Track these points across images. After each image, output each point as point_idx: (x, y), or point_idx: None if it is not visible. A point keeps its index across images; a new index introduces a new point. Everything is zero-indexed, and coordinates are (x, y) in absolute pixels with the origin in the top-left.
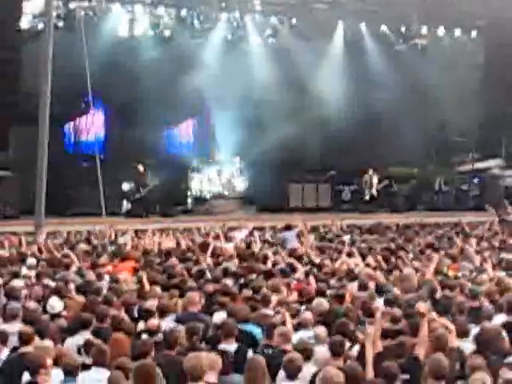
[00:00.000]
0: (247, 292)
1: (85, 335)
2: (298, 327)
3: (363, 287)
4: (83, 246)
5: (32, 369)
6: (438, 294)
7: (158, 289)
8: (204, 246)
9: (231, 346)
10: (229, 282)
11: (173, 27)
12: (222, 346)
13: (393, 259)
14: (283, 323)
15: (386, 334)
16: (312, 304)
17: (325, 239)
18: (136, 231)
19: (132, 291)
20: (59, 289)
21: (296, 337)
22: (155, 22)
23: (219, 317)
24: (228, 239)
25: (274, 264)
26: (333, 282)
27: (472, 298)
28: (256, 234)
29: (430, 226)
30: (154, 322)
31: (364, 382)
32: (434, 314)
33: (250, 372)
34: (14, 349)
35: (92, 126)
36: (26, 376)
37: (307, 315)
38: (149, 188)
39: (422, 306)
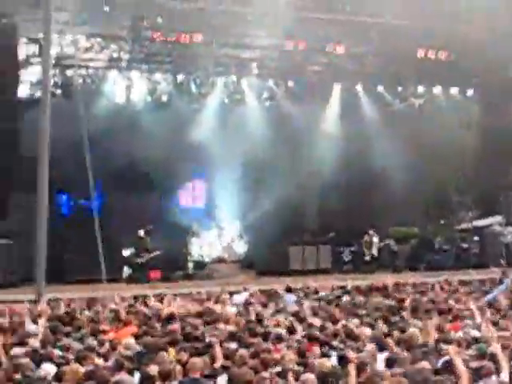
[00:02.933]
0: (248, 355)
1: None
2: None
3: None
4: (86, 313)
5: None
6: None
7: (163, 354)
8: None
9: None
10: (232, 345)
11: (170, 92)
12: None
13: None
14: None
15: None
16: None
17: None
18: (135, 297)
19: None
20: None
21: None
22: (152, 88)
23: (222, 381)
24: (229, 303)
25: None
26: (335, 343)
27: (480, 357)
28: (255, 297)
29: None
30: None
31: None
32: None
33: None
34: None
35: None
36: None
37: (310, 377)
38: (151, 255)
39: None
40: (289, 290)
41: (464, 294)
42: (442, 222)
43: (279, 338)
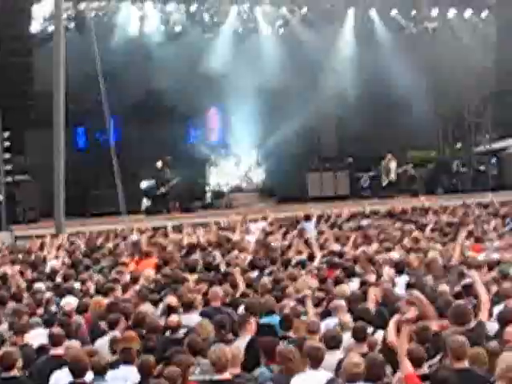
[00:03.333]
0: (268, 283)
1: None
2: (324, 315)
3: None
4: (106, 246)
5: (77, 372)
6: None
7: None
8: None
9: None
10: (253, 274)
11: (183, 23)
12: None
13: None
14: (305, 313)
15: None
16: (335, 291)
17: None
18: (155, 228)
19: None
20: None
21: (322, 325)
22: (165, 19)
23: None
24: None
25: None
26: (356, 269)
27: (502, 277)
28: (275, 225)
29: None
30: (175, 318)
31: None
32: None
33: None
34: (41, 349)
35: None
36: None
37: (340, 302)
38: (170, 185)
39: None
40: (307, 217)
41: (483, 216)
42: (460, 144)
43: (300, 265)
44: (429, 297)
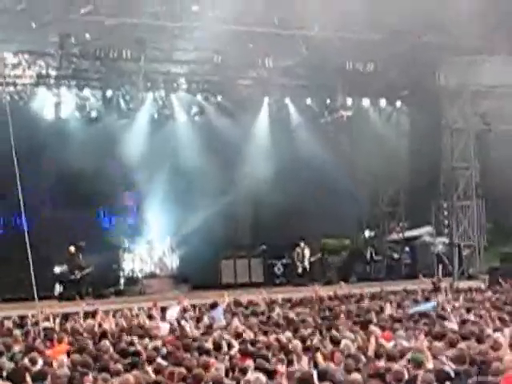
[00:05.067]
0: (181, 371)
1: None
2: None
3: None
4: (17, 332)
5: None
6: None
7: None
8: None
9: None
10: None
11: (99, 108)
12: None
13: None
14: None
15: None
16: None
17: (256, 315)
18: (67, 314)
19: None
20: None
21: None
22: (81, 104)
23: None
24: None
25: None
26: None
27: (415, 367)
28: (188, 313)
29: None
30: None
31: None
32: None
33: None
34: None
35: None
36: None
37: None
38: (84, 272)
39: None
40: (214, 305)
41: (394, 304)
42: (373, 233)
43: (210, 353)
44: None
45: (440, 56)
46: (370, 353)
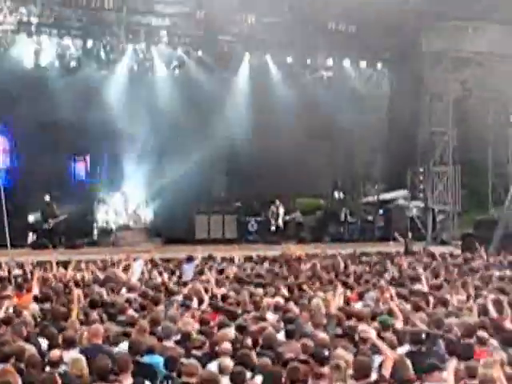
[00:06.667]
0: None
1: None
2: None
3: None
4: None
5: None
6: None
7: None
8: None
9: (127, 381)
10: (133, 313)
11: (79, 58)
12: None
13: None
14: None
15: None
16: (217, 334)
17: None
18: (38, 262)
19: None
20: None
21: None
22: (61, 53)
23: (123, 347)
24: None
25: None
26: (239, 313)
27: (384, 329)
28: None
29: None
30: (56, 353)
31: None
32: None
33: None
34: None
35: None
36: None
37: (226, 346)
38: (58, 219)
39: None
40: (190, 259)
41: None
42: (348, 194)
43: (184, 306)
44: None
45: (423, 21)
46: (333, 310)
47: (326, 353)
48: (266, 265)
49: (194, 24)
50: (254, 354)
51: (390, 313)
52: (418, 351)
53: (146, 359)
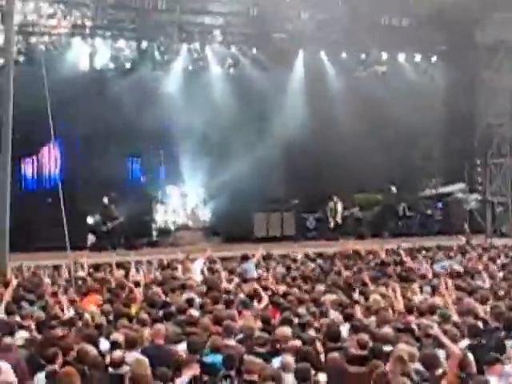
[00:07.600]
0: (210, 322)
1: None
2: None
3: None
4: (48, 281)
5: None
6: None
7: (125, 321)
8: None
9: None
10: (194, 312)
11: (134, 59)
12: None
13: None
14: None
15: (353, 360)
16: (279, 332)
17: (290, 268)
18: (99, 264)
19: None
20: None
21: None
22: (116, 55)
23: (183, 347)
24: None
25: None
26: (300, 310)
27: (444, 322)
28: (219, 263)
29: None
30: (118, 354)
31: None
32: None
33: None
34: None
35: (54, 160)
36: None
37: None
38: (117, 221)
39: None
40: (245, 257)
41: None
42: (406, 188)
43: (244, 305)
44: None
45: (477, 12)
46: (399, 307)
47: (389, 348)
48: (324, 261)
49: (248, 22)
50: (317, 350)
51: (446, 306)
52: (478, 344)
53: (208, 359)
